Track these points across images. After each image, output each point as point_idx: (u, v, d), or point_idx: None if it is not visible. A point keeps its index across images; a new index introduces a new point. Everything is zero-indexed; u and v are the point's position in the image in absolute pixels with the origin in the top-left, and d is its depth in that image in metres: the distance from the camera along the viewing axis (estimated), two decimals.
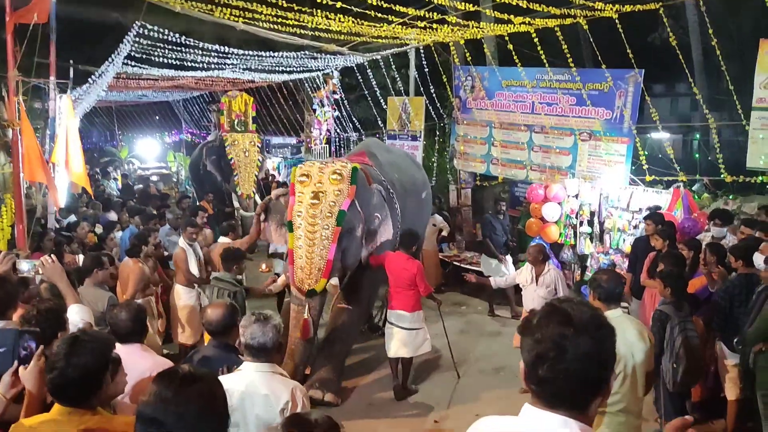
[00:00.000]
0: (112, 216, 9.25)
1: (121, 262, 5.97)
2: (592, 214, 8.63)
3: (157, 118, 28.20)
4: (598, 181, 8.74)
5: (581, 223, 8.71)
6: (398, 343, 5.99)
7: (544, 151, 9.74)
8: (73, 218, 8.29)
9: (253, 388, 2.89)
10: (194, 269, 6.35)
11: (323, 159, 6.15)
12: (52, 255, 3.37)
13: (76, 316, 3.13)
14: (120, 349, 3.01)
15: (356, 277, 6.30)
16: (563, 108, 9.38)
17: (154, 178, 19.62)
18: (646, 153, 8.84)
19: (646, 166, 8.48)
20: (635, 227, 8.15)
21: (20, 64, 6.33)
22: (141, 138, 26.56)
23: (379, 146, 7.73)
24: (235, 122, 12.50)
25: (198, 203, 10.80)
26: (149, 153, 25.01)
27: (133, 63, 10.80)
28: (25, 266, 3.40)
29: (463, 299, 9.50)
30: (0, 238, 6.79)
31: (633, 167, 8.79)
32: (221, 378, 2.88)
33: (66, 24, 19.63)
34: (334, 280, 5.82)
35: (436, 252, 9.75)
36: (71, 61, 12.45)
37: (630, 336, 3.51)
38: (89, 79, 9.24)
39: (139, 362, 3.00)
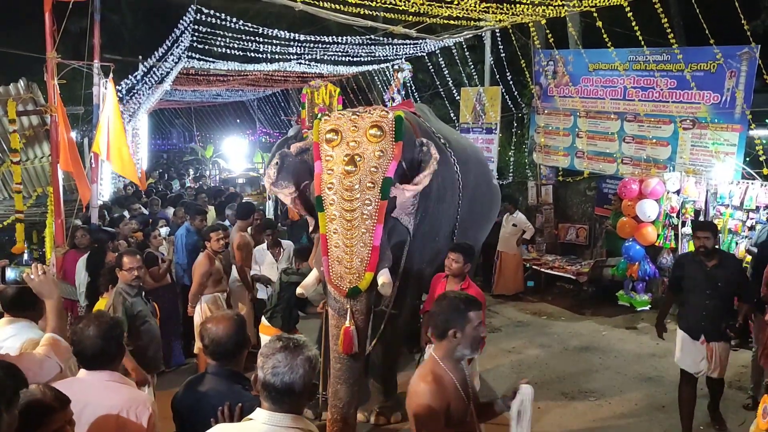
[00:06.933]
0: (170, 213, 8.87)
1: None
2: (697, 213, 7.67)
3: (238, 121, 28.06)
4: (704, 176, 7.73)
5: (684, 224, 7.73)
6: None
7: (638, 142, 8.86)
8: (126, 213, 7.93)
9: None
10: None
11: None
12: (42, 265, 2.69)
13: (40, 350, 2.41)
14: (84, 376, 2.34)
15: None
16: (661, 92, 8.48)
17: (241, 180, 17.95)
18: (764, 142, 7.62)
19: (763, 157, 7.26)
20: (751, 228, 7.02)
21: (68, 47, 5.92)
22: (225, 137, 24.76)
23: (430, 111, 6.19)
24: (318, 116, 11.75)
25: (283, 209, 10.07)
26: (236, 153, 22.57)
27: (197, 56, 10.50)
28: (11, 274, 2.74)
29: (543, 307, 8.52)
30: (47, 234, 6.48)
31: (747, 159, 7.63)
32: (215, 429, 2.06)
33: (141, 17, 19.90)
34: (385, 275, 4.06)
35: (516, 256, 8.82)
36: (140, 57, 12.41)
37: None
38: (142, 66, 8.91)
39: (108, 396, 2.26)
